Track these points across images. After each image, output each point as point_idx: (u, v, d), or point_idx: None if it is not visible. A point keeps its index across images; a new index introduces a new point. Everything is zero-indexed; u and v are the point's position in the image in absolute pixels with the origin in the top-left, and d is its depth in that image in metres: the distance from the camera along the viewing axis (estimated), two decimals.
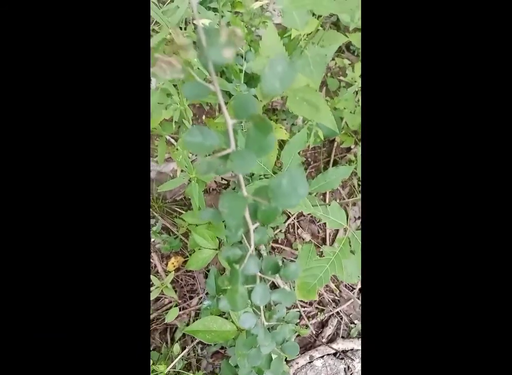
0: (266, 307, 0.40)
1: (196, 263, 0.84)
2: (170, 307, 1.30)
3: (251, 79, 0.81)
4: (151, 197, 1.37)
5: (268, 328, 0.39)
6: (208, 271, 1.29)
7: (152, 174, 1.40)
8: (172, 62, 0.22)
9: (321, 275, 0.49)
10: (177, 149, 1.14)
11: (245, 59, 0.67)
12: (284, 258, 1.34)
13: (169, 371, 1.08)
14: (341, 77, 1.13)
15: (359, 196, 1.50)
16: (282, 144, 1.28)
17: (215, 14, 1.21)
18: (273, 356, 0.44)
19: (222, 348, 1.21)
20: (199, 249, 0.89)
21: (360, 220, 1.35)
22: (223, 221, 0.93)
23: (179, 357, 1.07)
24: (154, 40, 0.54)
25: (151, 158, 1.43)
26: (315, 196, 1.10)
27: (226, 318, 0.75)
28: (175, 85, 0.93)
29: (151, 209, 1.32)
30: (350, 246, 0.52)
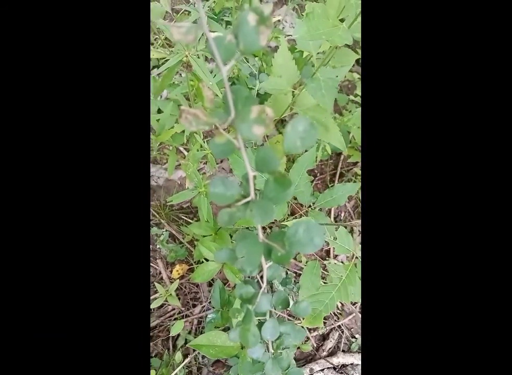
0: None
1: (202, 275, 0.85)
2: (174, 314, 1.31)
3: (264, 99, 0.82)
4: (158, 204, 1.38)
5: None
6: (212, 279, 1.30)
7: (160, 181, 1.41)
8: (198, 115, 0.23)
9: (328, 301, 0.50)
10: (186, 158, 1.15)
11: (258, 79, 0.68)
12: (288, 270, 1.34)
13: None
14: (350, 95, 1.14)
15: None
16: (289, 156, 1.29)
17: (227, 28, 1.23)
18: None
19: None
20: (206, 260, 0.90)
21: (361, 235, 1.35)
22: (230, 236, 0.94)
23: (181, 366, 1.07)
24: (170, 62, 0.56)
25: (160, 166, 1.44)
26: (320, 210, 1.10)
27: None
28: (187, 98, 0.95)
29: (157, 216, 1.33)
30: (356, 272, 0.52)
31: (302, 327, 1.32)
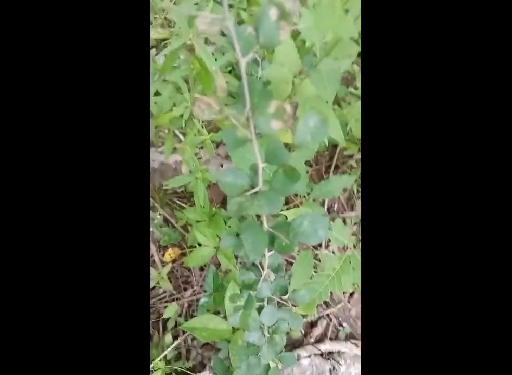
0: None
1: (196, 260, 0.86)
2: (164, 297, 1.33)
3: (266, 86, 0.81)
4: (152, 188, 1.38)
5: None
6: (204, 265, 1.31)
7: (155, 164, 1.41)
8: (211, 103, 0.23)
9: (321, 290, 0.51)
10: (182, 142, 1.14)
11: (260, 66, 0.68)
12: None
13: (159, 360, 1.11)
14: (350, 87, 1.14)
15: (358, 202, 1.52)
16: (286, 146, 1.29)
17: (230, 11, 1.21)
18: (271, 365, 0.46)
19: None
20: (199, 245, 0.91)
21: (360, 232, 1.38)
22: (225, 222, 0.94)
23: (171, 347, 1.10)
24: (173, 45, 0.55)
25: (155, 149, 1.43)
26: (314, 201, 1.12)
27: (222, 316, 0.77)
28: (186, 81, 0.94)
29: (152, 199, 1.33)
30: (350, 261, 0.54)
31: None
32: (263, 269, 0.32)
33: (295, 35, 1.23)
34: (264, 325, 0.39)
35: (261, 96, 0.19)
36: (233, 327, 0.77)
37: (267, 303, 0.34)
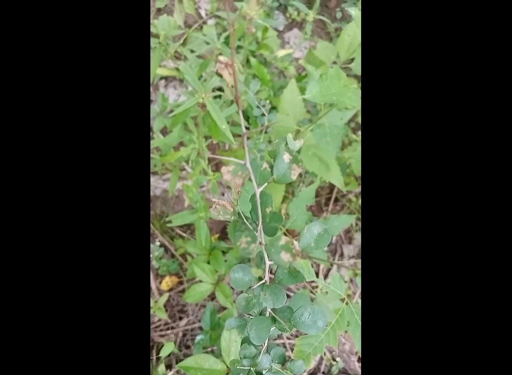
0: None
1: (194, 296, 0.87)
2: (160, 326, 1.33)
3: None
4: (152, 215, 1.40)
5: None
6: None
7: (157, 191, 1.43)
8: (226, 206, 0.26)
9: (316, 344, 0.53)
10: (187, 175, 1.17)
11: (267, 115, 0.72)
12: None
13: None
14: (353, 135, 1.18)
15: (356, 235, 1.54)
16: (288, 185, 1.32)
17: (239, 52, 1.26)
18: None
19: None
20: (199, 281, 0.93)
21: (357, 262, 1.39)
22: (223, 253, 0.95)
23: None
24: (187, 104, 0.58)
25: (158, 176, 1.46)
26: None
27: (217, 357, 0.78)
28: (195, 124, 0.97)
29: (151, 226, 1.35)
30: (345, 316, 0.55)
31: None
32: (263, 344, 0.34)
33: (300, 77, 1.28)
34: None
35: (271, 218, 0.21)
36: (227, 367, 0.78)
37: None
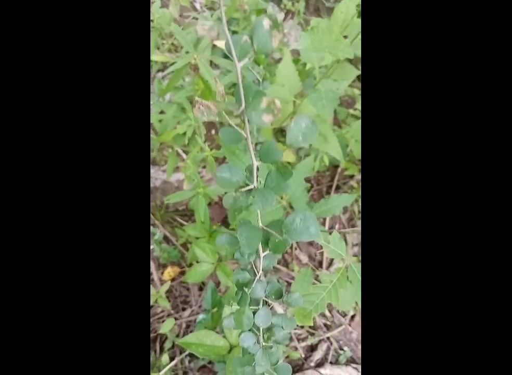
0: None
1: (195, 276, 0.86)
2: (163, 316, 1.31)
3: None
4: (153, 205, 1.39)
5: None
6: (203, 283, 1.30)
7: (157, 183, 1.42)
8: (210, 107, 0.25)
9: (318, 302, 0.51)
10: (185, 160, 1.16)
11: (261, 86, 0.71)
12: (280, 278, 1.35)
13: None
14: (350, 109, 1.17)
15: (359, 222, 1.52)
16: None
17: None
18: None
19: (209, 362, 1.21)
20: (198, 262, 0.91)
21: (360, 250, 1.37)
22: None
23: (167, 368, 1.07)
24: (178, 64, 0.58)
25: (158, 167, 1.46)
26: None
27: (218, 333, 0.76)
28: (191, 102, 0.97)
29: (152, 217, 1.34)
30: (347, 276, 0.54)
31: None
32: (257, 271, 0.33)
33: (296, 59, 1.28)
34: (259, 334, 0.40)
35: (255, 96, 0.20)
36: (230, 344, 0.76)
37: (262, 306, 0.34)
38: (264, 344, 0.40)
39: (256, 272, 0.32)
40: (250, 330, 0.39)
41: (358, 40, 0.73)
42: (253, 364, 0.41)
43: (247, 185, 0.26)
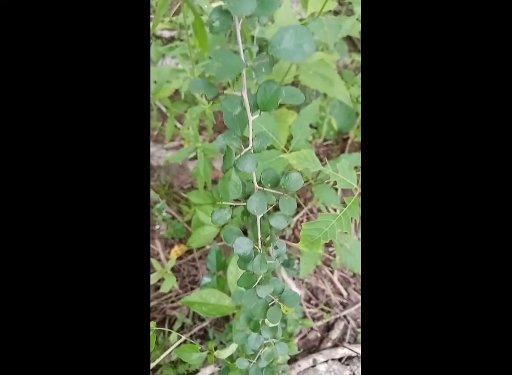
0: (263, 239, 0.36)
1: (198, 240, 0.81)
2: (171, 297, 1.26)
3: (264, 48, 0.79)
4: (157, 184, 1.35)
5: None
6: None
7: (161, 162, 1.39)
8: None
9: (327, 229, 0.45)
10: (186, 117, 1.12)
11: (258, 22, 0.66)
12: (291, 255, 1.29)
13: (163, 360, 1.04)
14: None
15: None
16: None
17: None
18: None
19: (220, 343, 1.16)
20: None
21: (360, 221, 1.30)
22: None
23: (175, 345, 1.02)
24: None
25: (161, 145, 1.42)
26: (327, 183, 1.06)
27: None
28: (186, 55, 0.93)
29: (157, 195, 1.30)
30: (358, 204, 0.48)
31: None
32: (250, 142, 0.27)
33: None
34: (256, 241, 0.34)
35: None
36: (237, 306, 0.70)
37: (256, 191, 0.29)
38: (262, 240, 0.34)
39: (243, 147, 0.26)
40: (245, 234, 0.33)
41: None
42: (253, 286, 0.36)
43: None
